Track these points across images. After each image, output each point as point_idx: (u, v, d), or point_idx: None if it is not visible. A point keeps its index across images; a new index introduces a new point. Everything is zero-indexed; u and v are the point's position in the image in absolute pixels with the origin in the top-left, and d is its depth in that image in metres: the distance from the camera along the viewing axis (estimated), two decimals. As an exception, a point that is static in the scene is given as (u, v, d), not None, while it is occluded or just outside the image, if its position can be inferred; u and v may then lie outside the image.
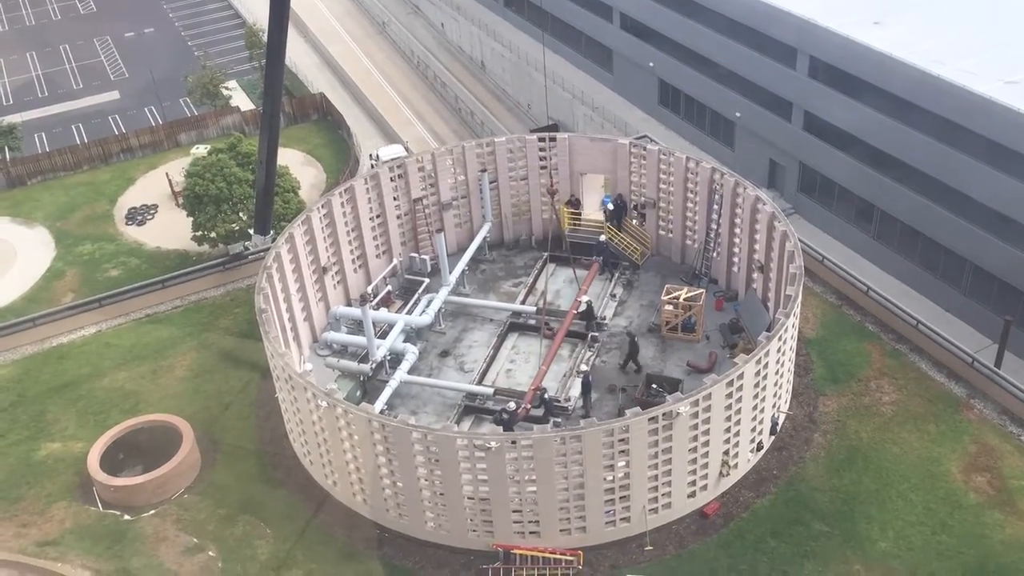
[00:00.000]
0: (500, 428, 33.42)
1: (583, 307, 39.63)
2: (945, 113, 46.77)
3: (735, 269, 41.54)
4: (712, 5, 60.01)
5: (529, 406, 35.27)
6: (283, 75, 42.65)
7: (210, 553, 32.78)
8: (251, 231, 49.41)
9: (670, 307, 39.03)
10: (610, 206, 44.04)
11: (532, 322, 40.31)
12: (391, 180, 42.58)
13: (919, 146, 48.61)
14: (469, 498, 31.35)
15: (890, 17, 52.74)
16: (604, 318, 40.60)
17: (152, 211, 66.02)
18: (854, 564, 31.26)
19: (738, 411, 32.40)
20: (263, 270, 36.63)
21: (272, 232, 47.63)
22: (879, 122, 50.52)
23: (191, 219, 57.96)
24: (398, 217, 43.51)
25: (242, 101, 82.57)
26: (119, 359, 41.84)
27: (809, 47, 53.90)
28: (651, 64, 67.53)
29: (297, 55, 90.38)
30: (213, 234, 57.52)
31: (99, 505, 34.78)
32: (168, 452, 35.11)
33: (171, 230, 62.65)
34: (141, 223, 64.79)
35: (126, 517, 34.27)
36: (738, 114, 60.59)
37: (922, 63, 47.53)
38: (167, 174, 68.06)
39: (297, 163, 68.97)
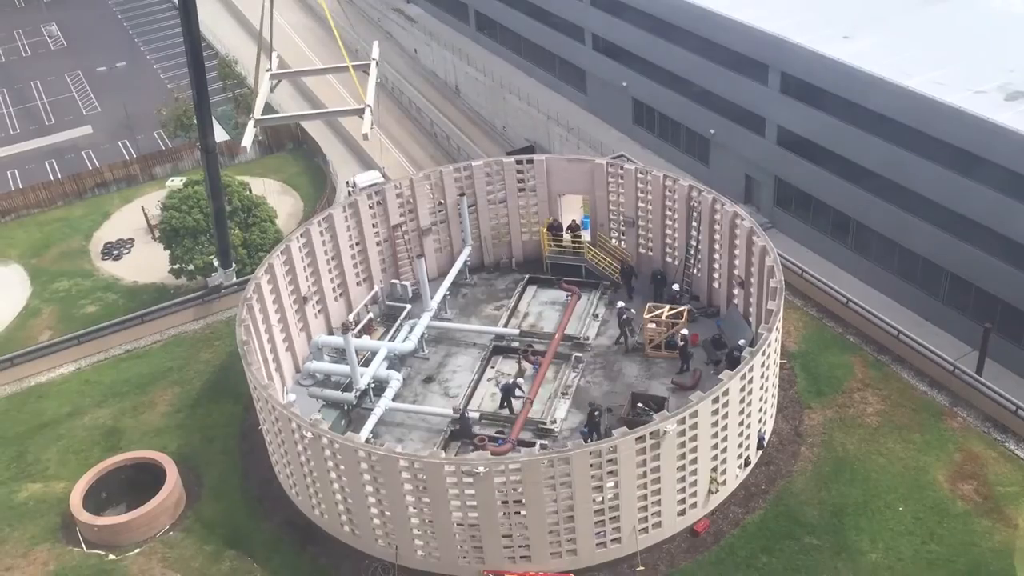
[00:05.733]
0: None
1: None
2: (916, 124, 47.32)
3: (716, 285, 41.69)
4: (683, 24, 60.59)
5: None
6: (209, 107, 41.78)
7: (197, 590, 32.38)
8: (216, 263, 49.05)
9: (653, 325, 39.08)
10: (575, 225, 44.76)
11: (516, 344, 40.25)
12: (370, 207, 42.52)
13: (890, 157, 49.10)
14: (459, 524, 31.15)
15: (859, 32, 53.41)
16: (587, 338, 40.60)
17: (128, 245, 65.78)
18: (845, 576, 31.29)
19: (724, 427, 32.42)
20: (243, 301, 36.42)
21: (234, 265, 47.31)
22: (851, 134, 51.02)
23: (168, 252, 57.73)
24: (377, 244, 43.40)
25: (216, 132, 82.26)
26: (99, 396, 41.37)
27: (780, 63, 54.46)
28: (624, 84, 67.99)
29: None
30: (191, 267, 57.33)
31: (83, 546, 34.25)
32: (152, 489, 34.67)
33: (148, 264, 62.47)
34: (117, 258, 64.54)
35: (111, 557, 33.76)
36: (712, 131, 61.03)
37: (892, 75, 48.13)
38: (142, 207, 67.87)
39: (274, 192, 68.90)
